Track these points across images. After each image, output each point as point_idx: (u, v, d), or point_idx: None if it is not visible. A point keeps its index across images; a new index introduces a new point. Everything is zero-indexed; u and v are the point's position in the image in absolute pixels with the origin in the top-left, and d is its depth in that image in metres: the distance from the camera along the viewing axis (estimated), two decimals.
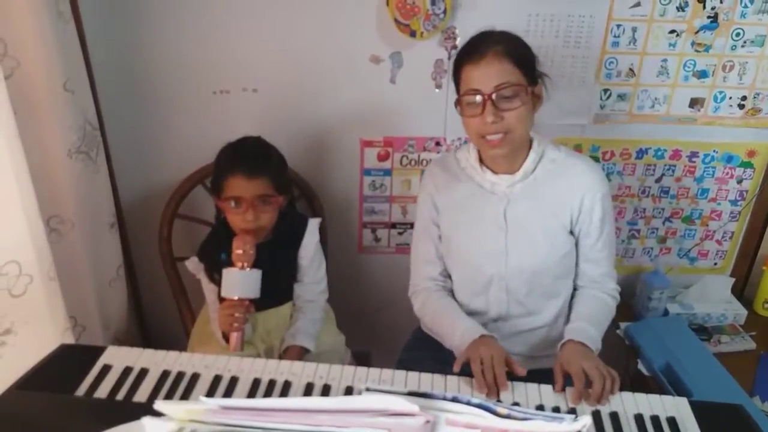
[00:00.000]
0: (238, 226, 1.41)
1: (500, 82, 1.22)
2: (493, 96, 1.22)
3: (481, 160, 1.37)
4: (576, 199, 1.34)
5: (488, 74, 1.22)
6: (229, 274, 1.34)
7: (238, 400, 0.74)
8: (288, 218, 1.51)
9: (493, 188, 1.36)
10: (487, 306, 1.41)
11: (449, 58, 1.66)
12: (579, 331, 1.29)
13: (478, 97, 1.23)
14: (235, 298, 1.34)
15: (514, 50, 1.24)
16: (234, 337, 1.34)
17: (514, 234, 1.35)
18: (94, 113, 1.57)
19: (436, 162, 1.48)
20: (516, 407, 0.71)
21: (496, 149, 1.27)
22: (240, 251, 1.33)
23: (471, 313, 1.41)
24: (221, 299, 1.47)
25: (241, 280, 1.34)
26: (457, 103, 1.30)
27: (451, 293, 1.47)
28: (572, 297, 1.43)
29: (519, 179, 1.34)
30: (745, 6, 1.62)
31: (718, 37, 1.66)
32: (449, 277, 1.47)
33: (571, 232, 1.37)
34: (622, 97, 1.74)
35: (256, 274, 1.35)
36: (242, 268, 1.33)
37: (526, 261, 1.36)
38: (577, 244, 1.39)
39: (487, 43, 1.23)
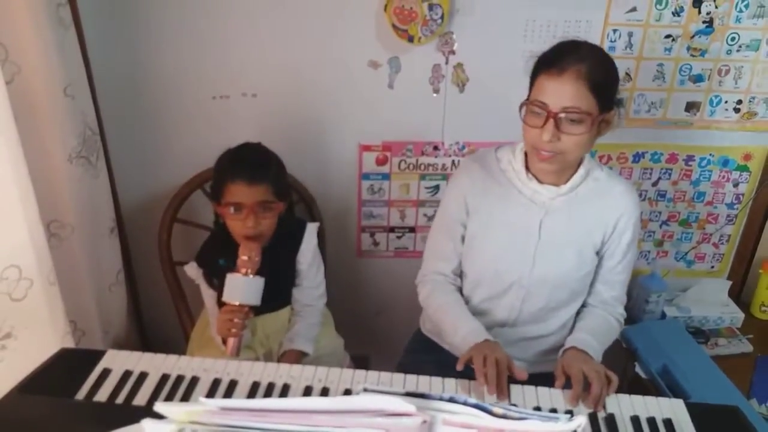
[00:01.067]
0: (238, 232, 1.42)
1: (570, 105, 1.17)
2: (559, 116, 1.18)
3: (527, 167, 1.33)
4: (611, 220, 1.33)
5: (560, 93, 1.17)
6: (232, 280, 1.35)
7: (236, 401, 0.75)
8: (286, 223, 1.52)
9: (533, 197, 1.34)
10: (498, 310, 1.41)
11: (447, 63, 1.68)
12: (581, 340, 1.29)
13: (542, 111, 1.19)
14: (236, 303, 1.34)
15: (596, 74, 1.17)
16: (231, 342, 1.35)
17: (545, 245, 1.34)
18: (94, 118, 1.58)
19: (474, 159, 1.43)
20: (511, 407, 0.71)
21: (543, 164, 1.25)
22: (245, 257, 1.34)
23: (478, 314, 1.39)
24: (221, 303, 1.48)
25: (244, 287, 1.35)
26: (523, 105, 1.25)
27: (460, 290, 1.45)
28: (578, 312, 1.43)
29: (563, 193, 1.32)
30: (740, 11, 1.64)
31: (713, 42, 1.68)
32: (460, 276, 1.46)
33: (597, 252, 1.37)
34: (618, 101, 1.75)
35: (259, 282, 1.35)
36: (246, 274, 1.34)
37: (550, 273, 1.35)
38: (598, 264, 1.39)
39: (569, 59, 1.17)
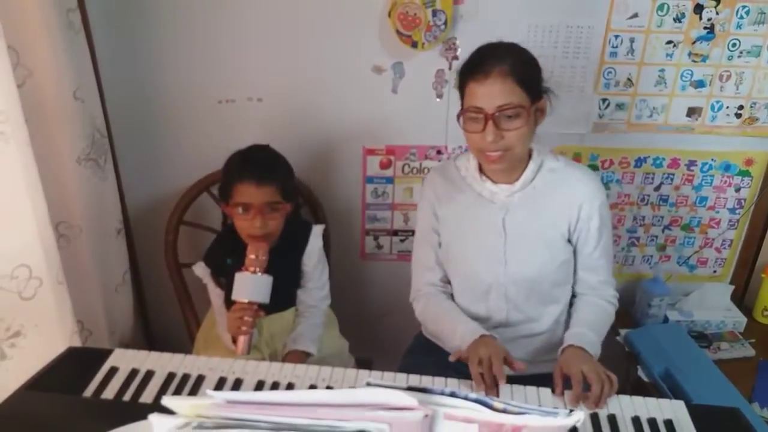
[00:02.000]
0: (245, 232, 1.44)
1: (503, 102, 1.22)
2: (495, 116, 1.23)
3: (480, 170, 1.39)
4: (574, 207, 1.36)
5: (491, 93, 1.22)
6: (241, 278, 1.36)
7: (243, 394, 0.76)
8: (292, 225, 1.54)
9: (492, 197, 1.38)
10: (488, 313, 1.43)
11: (450, 69, 1.70)
12: (579, 336, 1.30)
13: (479, 115, 1.24)
14: (245, 301, 1.36)
15: (520, 69, 1.24)
16: (242, 340, 1.36)
17: (513, 242, 1.37)
18: (102, 121, 1.60)
19: (436, 170, 1.50)
20: (512, 402, 0.73)
21: (494, 164, 1.30)
22: (253, 256, 1.35)
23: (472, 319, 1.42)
24: (228, 303, 1.50)
25: (252, 284, 1.36)
26: (460, 115, 1.31)
27: (452, 297, 1.48)
28: (572, 304, 1.45)
29: (518, 189, 1.36)
30: (741, 17, 1.65)
31: (714, 48, 1.69)
32: (449, 282, 1.49)
33: (569, 241, 1.39)
34: (620, 106, 1.76)
35: (268, 280, 1.37)
36: (254, 272, 1.36)
37: (524, 269, 1.38)
38: (575, 252, 1.41)
39: (492, 61, 1.23)
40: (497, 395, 1.14)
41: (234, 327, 1.37)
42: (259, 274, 1.36)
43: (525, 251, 1.37)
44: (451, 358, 1.22)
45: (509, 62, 1.23)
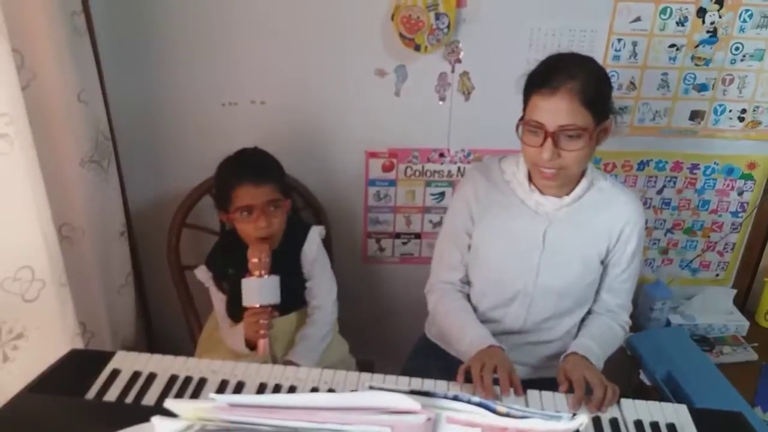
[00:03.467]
0: (251, 234, 1.43)
1: (566, 123, 1.18)
2: (555, 134, 1.19)
3: (530, 178, 1.35)
4: (616, 229, 1.34)
5: (555, 111, 1.18)
6: (248, 284, 1.36)
7: (245, 397, 0.76)
8: (291, 227, 1.54)
9: (537, 208, 1.35)
10: (504, 318, 1.42)
11: (453, 72, 1.70)
12: (584, 346, 1.30)
13: (539, 130, 1.21)
14: (257, 306, 1.36)
15: (589, 89, 1.18)
16: (261, 344, 1.37)
17: (549, 255, 1.35)
18: (106, 124, 1.60)
19: (477, 168, 1.45)
20: (515, 406, 0.73)
21: (547, 181, 1.27)
22: (256, 260, 1.35)
23: (485, 323, 1.40)
24: (230, 308, 1.50)
25: (260, 288, 1.36)
26: (519, 125, 1.27)
27: (468, 298, 1.47)
28: (583, 318, 1.44)
29: (567, 204, 1.33)
30: (744, 21, 1.65)
31: (717, 51, 1.69)
32: (468, 284, 1.47)
33: (602, 262, 1.38)
34: (623, 109, 1.76)
35: (275, 280, 1.37)
36: (260, 276, 1.36)
37: (555, 282, 1.36)
38: (603, 272, 1.40)
39: (562, 77, 1.18)
40: (507, 392, 1.13)
41: (251, 332, 1.37)
42: (265, 276, 1.36)
43: (559, 265, 1.35)
44: (458, 380, 1.18)
45: (578, 80, 1.18)
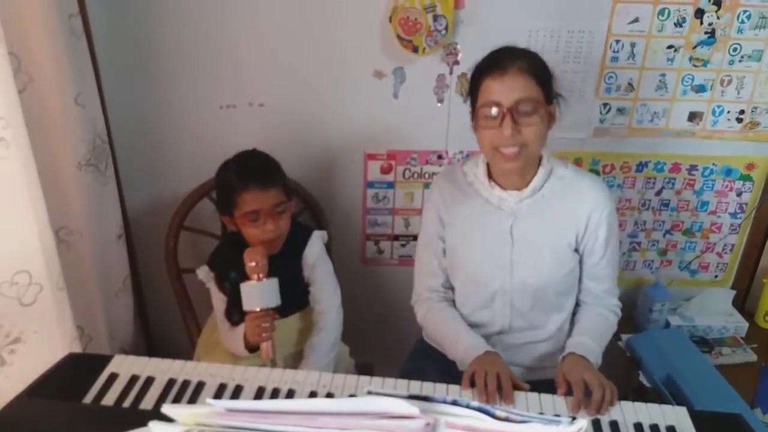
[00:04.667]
0: (257, 238, 1.43)
1: (522, 96, 1.23)
2: (513, 110, 1.23)
3: (489, 176, 1.38)
4: (583, 216, 1.35)
5: (510, 88, 1.23)
6: (247, 288, 1.36)
7: (243, 402, 0.76)
8: (291, 230, 1.52)
9: (500, 203, 1.37)
10: (491, 319, 1.42)
11: (451, 73, 1.70)
12: (580, 344, 1.30)
13: (496, 110, 1.24)
14: (257, 309, 1.36)
15: (536, 67, 1.26)
16: (264, 346, 1.37)
17: (520, 249, 1.36)
18: (103, 127, 1.60)
19: (442, 175, 1.49)
20: (514, 410, 0.72)
21: (510, 162, 1.28)
22: (253, 264, 1.35)
23: (474, 326, 1.42)
24: (230, 310, 1.49)
25: (259, 292, 1.36)
26: (473, 115, 1.31)
27: (453, 303, 1.48)
28: (575, 312, 1.45)
29: (527, 195, 1.35)
30: (742, 22, 1.65)
31: (715, 52, 1.69)
32: (451, 288, 1.48)
33: (576, 250, 1.39)
34: (621, 111, 1.76)
35: (273, 283, 1.37)
36: (258, 279, 1.35)
37: (530, 276, 1.37)
38: (581, 261, 1.40)
39: (510, 59, 1.25)
40: (510, 399, 1.14)
41: (254, 336, 1.37)
42: (264, 279, 1.35)
43: (532, 259, 1.36)
44: (463, 387, 1.19)
45: (526, 60, 1.25)
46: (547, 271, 1.37)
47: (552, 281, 1.38)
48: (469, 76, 1.34)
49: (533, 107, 1.24)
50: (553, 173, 1.36)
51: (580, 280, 1.42)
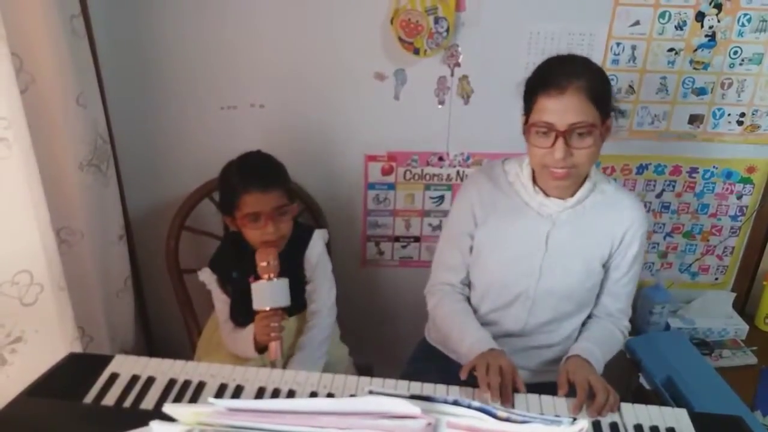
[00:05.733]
0: (258, 239, 1.43)
1: (577, 121, 1.19)
2: (567, 133, 1.20)
3: (534, 180, 1.35)
4: (618, 232, 1.35)
5: (565, 110, 1.19)
6: (258, 288, 1.36)
7: (244, 402, 0.76)
8: (294, 230, 1.52)
9: (540, 209, 1.35)
10: (504, 320, 1.42)
11: (452, 75, 1.70)
12: (586, 350, 1.30)
13: (551, 131, 1.21)
14: (267, 309, 1.36)
15: (595, 86, 1.20)
16: (273, 346, 1.36)
17: (552, 257, 1.35)
18: (105, 127, 1.60)
19: (482, 171, 1.45)
20: (515, 411, 0.72)
21: (558, 182, 1.27)
22: (265, 263, 1.35)
23: (485, 324, 1.40)
24: (233, 311, 1.49)
25: (270, 291, 1.36)
26: (526, 128, 1.27)
27: (468, 300, 1.46)
28: (584, 323, 1.44)
29: (570, 206, 1.33)
30: (743, 25, 1.66)
31: (716, 55, 1.69)
32: (468, 285, 1.47)
33: (604, 265, 1.38)
34: (622, 113, 1.76)
35: (284, 283, 1.37)
36: (269, 278, 1.35)
37: (556, 285, 1.36)
38: (604, 276, 1.40)
39: (568, 76, 1.19)
40: (509, 403, 1.13)
41: (263, 335, 1.37)
42: (275, 279, 1.35)
43: (562, 268, 1.35)
44: (462, 376, 1.19)
45: (585, 78, 1.19)
46: (573, 282, 1.36)
47: (576, 292, 1.37)
48: (524, 83, 1.28)
49: (588, 131, 1.20)
50: (597, 187, 1.35)
51: (597, 295, 1.42)
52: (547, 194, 1.34)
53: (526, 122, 1.28)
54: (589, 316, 1.44)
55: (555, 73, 1.21)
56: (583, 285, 1.37)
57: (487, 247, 1.40)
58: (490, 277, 1.41)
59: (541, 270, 1.36)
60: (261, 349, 1.43)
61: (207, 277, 1.55)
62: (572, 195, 1.33)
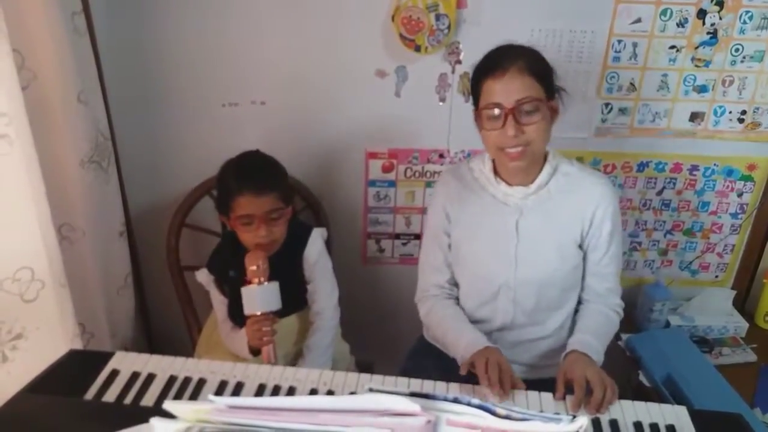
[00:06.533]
0: (251, 242, 1.43)
1: (522, 96, 1.24)
2: (515, 110, 1.24)
3: (495, 172, 1.39)
4: (588, 212, 1.36)
5: (510, 89, 1.24)
6: (247, 292, 1.36)
7: (245, 399, 0.76)
8: (292, 229, 1.52)
9: (506, 199, 1.38)
10: (494, 315, 1.43)
11: (453, 72, 1.70)
12: (583, 342, 1.30)
13: (498, 111, 1.25)
14: (258, 313, 1.36)
15: (535, 65, 1.26)
16: (266, 350, 1.37)
17: (525, 245, 1.37)
18: (106, 124, 1.60)
19: (449, 171, 1.50)
20: (514, 408, 0.73)
21: (515, 162, 1.29)
22: (254, 267, 1.34)
23: (476, 322, 1.43)
24: (232, 312, 1.49)
25: (260, 296, 1.36)
26: (477, 116, 1.32)
27: (458, 301, 1.48)
28: (577, 310, 1.45)
29: (533, 191, 1.36)
30: (744, 22, 1.65)
31: (717, 53, 1.69)
32: (456, 285, 1.49)
33: (580, 246, 1.39)
34: (623, 111, 1.76)
35: (274, 287, 1.36)
36: (259, 283, 1.35)
37: (535, 272, 1.37)
38: (584, 258, 1.41)
39: (508, 58, 1.26)
40: (508, 396, 1.14)
41: (255, 339, 1.37)
42: (265, 282, 1.35)
43: (536, 254, 1.37)
44: (462, 372, 1.21)
45: (525, 59, 1.26)
46: (551, 267, 1.37)
47: (556, 277, 1.38)
48: (470, 76, 1.35)
49: (535, 106, 1.25)
50: (559, 170, 1.37)
51: (583, 277, 1.43)
52: (509, 183, 1.37)
53: (476, 113, 1.32)
54: (580, 302, 1.45)
55: (497, 58, 1.28)
56: (561, 269, 1.38)
57: (463, 243, 1.43)
58: (471, 272, 1.44)
59: (516, 259, 1.37)
60: (255, 351, 1.43)
61: (204, 278, 1.55)
62: (533, 180, 1.35)
